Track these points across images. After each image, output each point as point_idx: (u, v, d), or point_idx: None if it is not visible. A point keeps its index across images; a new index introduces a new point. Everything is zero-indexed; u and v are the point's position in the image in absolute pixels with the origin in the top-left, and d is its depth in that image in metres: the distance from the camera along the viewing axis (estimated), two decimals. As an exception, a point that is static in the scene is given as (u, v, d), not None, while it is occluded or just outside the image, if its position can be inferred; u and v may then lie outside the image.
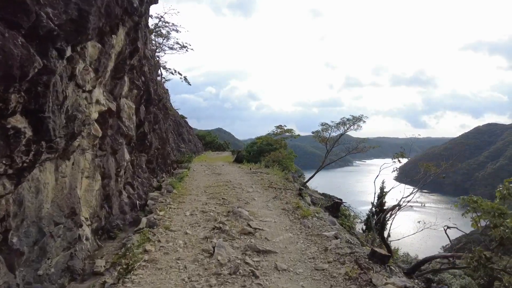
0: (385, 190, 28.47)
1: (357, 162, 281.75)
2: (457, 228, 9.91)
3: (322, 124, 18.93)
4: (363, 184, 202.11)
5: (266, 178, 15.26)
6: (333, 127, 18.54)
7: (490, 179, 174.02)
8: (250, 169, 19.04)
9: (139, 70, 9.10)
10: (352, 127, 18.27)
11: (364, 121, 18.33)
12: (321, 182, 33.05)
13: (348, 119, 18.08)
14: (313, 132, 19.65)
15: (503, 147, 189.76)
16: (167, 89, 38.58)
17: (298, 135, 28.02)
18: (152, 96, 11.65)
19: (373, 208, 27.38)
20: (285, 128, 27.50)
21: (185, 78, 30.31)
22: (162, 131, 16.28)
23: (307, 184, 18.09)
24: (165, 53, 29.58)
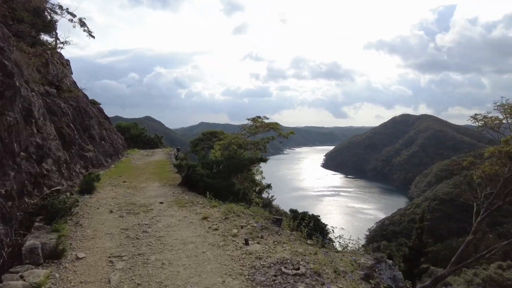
0: (426, 221, 18.44)
1: (287, 150, 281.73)
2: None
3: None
4: (294, 171, 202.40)
5: None
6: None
7: (405, 164, 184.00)
8: (246, 242, 6.61)
9: None
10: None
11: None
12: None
13: None
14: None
15: (415, 135, 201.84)
16: (67, 60, 24.29)
17: (292, 132, 16.48)
18: None
19: (407, 250, 17.27)
20: (266, 121, 15.67)
21: (83, 23, 16.92)
22: None
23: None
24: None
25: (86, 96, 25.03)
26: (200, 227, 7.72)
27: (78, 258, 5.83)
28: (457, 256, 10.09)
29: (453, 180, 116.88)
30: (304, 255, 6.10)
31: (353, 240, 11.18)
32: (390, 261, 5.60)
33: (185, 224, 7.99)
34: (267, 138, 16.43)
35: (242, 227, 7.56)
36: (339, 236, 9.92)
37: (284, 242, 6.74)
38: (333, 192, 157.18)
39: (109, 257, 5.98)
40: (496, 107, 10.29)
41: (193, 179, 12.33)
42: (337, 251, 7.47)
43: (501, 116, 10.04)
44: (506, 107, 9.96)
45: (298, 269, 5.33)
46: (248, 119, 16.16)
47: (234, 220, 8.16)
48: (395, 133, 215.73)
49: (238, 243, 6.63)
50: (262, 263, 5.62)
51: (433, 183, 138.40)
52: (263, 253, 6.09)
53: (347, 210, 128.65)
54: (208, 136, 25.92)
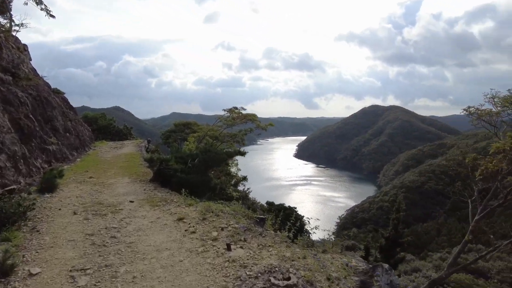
0: (402, 211, 18.40)
1: (261, 140, 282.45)
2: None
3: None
4: (267, 162, 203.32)
5: None
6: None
7: (374, 154, 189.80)
8: (228, 247, 5.79)
9: None
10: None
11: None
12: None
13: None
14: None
15: (384, 125, 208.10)
16: (24, 45, 22.29)
17: (270, 124, 15.89)
18: None
19: (383, 241, 17.25)
20: (244, 111, 14.94)
21: (39, 1, 15.35)
22: None
23: None
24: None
25: (48, 85, 23.13)
26: (176, 230, 6.98)
27: (31, 275, 4.96)
28: (454, 258, 9.96)
29: (418, 169, 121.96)
30: (292, 260, 5.55)
31: (328, 230, 10.81)
32: (386, 265, 5.15)
33: (159, 227, 7.22)
34: (245, 130, 15.75)
35: (222, 229, 6.90)
36: (315, 227, 9.50)
37: (269, 245, 6.16)
38: (305, 182, 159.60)
39: (70, 270, 5.14)
40: (487, 100, 10.13)
41: (166, 174, 11.49)
42: (324, 251, 7.01)
43: (493, 109, 9.93)
44: (496, 99, 9.81)
45: (289, 278, 4.76)
46: (225, 110, 15.34)
47: (213, 220, 7.48)
48: (364, 124, 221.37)
49: (219, 248, 5.97)
50: (248, 272, 5.00)
51: (400, 171, 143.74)
52: (247, 259, 5.48)
53: (318, 199, 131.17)
54: (180, 127, 24.82)
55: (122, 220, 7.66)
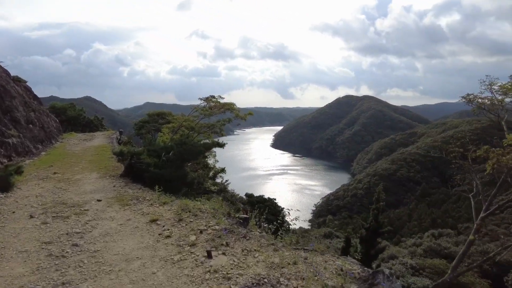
0: (381, 201, 18.04)
1: (237, 131, 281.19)
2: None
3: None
4: (244, 152, 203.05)
5: None
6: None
7: (347, 143, 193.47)
8: (208, 255, 5.00)
9: None
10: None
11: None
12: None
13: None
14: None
15: (357, 115, 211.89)
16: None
17: (250, 113, 15.15)
18: None
19: (364, 231, 16.95)
20: (221, 100, 14.07)
21: None
22: None
23: None
24: None
25: (6, 72, 21.10)
26: (148, 234, 6.13)
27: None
28: (458, 260, 9.60)
29: (391, 157, 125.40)
30: (282, 267, 4.87)
31: (305, 220, 10.28)
32: (387, 271, 4.59)
33: (129, 231, 6.34)
34: (223, 120, 14.93)
35: (201, 231, 6.12)
36: (296, 218, 8.96)
37: (255, 250, 5.45)
38: (281, 171, 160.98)
39: (18, 292, 4.24)
40: (485, 88, 9.73)
41: (138, 169, 10.51)
42: (313, 251, 6.39)
43: (492, 96, 9.57)
44: (495, 87, 9.46)
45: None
46: (201, 99, 14.37)
47: (191, 221, 6.68)
48: (339, 114, 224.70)
49: (198, 255, 5.19)
50: (232, 286, 4.27)
51: (373, 160, 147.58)
52: (231, 269, 4.75)
53: (295, 187, 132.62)
54: (154, 117, 23.60)
55: (87, 223, 6.72)
